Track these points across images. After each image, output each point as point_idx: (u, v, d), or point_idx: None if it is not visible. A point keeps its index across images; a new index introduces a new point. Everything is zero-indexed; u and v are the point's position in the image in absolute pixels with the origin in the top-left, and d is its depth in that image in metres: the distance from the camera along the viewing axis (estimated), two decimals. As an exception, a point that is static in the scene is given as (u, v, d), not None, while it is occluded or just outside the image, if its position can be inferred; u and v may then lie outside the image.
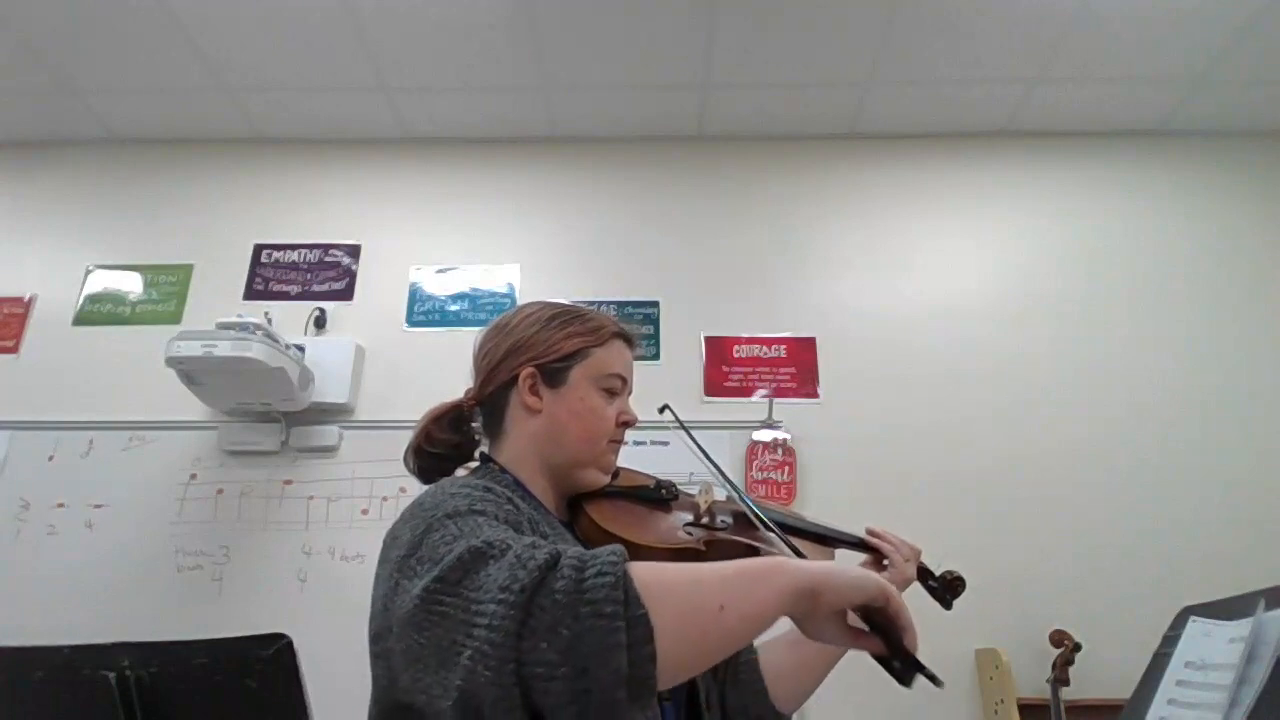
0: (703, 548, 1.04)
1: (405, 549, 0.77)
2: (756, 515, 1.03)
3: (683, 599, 0.66)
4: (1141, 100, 2.80)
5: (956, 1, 2.39)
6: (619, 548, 0.68)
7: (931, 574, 1.24)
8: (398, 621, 0.72)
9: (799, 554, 1.00)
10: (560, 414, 1.02)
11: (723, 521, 1.09)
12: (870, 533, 1.19)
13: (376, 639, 0.81)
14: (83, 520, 2.46)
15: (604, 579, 0.63)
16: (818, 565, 0.73)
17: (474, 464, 1.08)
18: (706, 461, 1.10)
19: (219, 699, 1.12)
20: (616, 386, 1.06)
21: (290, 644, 1.10)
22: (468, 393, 1.08)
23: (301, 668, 1.12)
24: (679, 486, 1.13)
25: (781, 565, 0.72)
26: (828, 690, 1.13)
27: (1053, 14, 2.42)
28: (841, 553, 1.19)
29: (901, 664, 0.73)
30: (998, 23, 2.46)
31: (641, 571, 0.65)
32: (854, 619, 0.75)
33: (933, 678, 0.70)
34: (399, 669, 0.75)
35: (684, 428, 1.10)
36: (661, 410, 1.17)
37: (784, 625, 0.85)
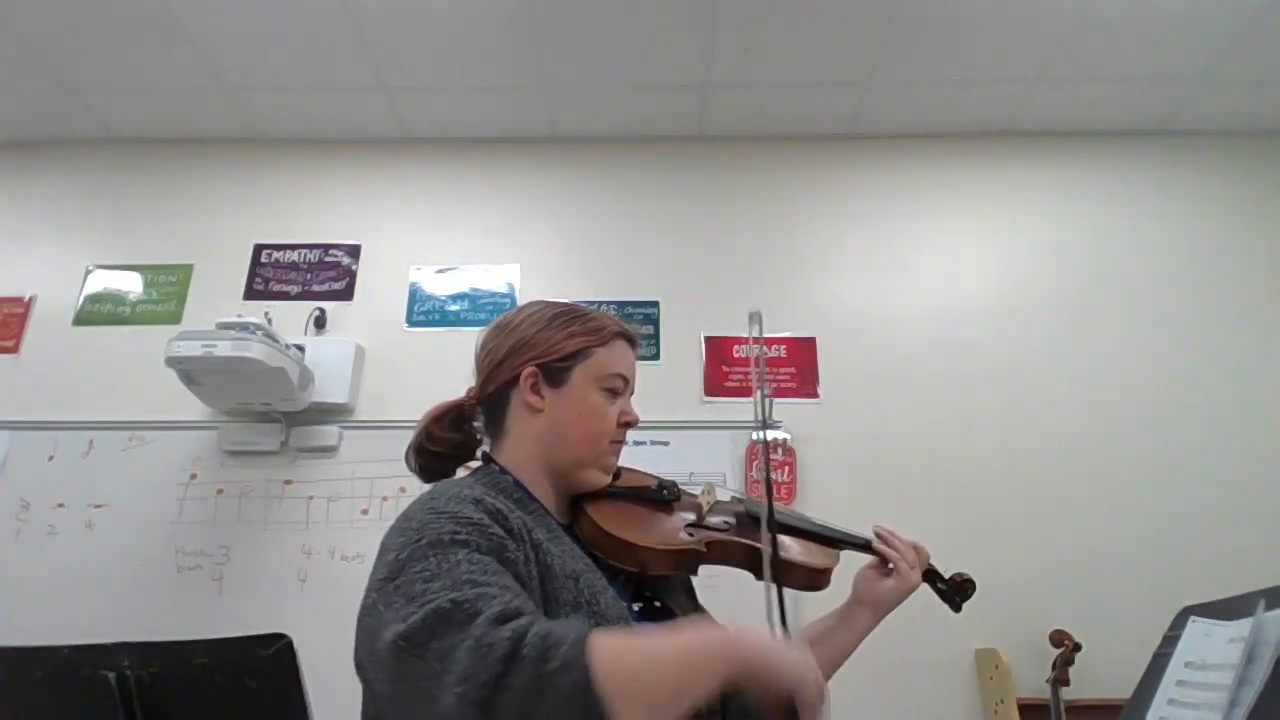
0: (704, 549, 1.03)
1: (386, 570, 0.78)
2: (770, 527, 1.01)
3: (644, 689, 0.67)
4: (1141, 100, 2.80)
5: (956, 1, 2.39)
6: (581, 629, 0.67)
7: (940, 576, 1.22)
8: (370, 652, 0.75)
9: (788, 561, 0.98)
10: (561, 414, 1.02)
11: (725, 522, 1.08)
12: (878, 534, 1.18)
13: (357, 648, 0.81)
14: (83, 520, 2.45)
15: (567, 678, 0.63)
16: (767, 645, 0.76)
17: (475, 463, 1.08)
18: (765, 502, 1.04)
19: (219, 699, 1.11)
20: (618, 386, 1.06)
21: (290, 644, 1.10)
22: (469, 392, 1.08)
23: (301, 668, 1.11)
24: (681, 486, 1.13)
25: (732, 646, 0.74)
26: (829, 691, 1.13)
27: (1053, 14, 2.42)
28: (847, 554, 1.18)
29: None
30: (998, 23, 2.46)
31: (604, 661, 0.65)
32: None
33: None
34: (376, 690, 0.80)
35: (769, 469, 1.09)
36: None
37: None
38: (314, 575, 2.39)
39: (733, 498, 1.18)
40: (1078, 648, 2.17)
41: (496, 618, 0.68)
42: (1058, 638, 2.19)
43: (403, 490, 2.40)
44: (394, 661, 0.70)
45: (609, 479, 1.06)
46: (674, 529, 1.05)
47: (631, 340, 1.10)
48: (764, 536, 0.94)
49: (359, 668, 0.83)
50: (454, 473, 1.07)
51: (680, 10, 2.43)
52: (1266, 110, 2.83)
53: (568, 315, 1.06)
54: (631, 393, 1.09)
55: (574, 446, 1.02)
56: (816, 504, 2.41)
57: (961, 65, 2.64)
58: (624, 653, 0.69)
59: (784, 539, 1.14)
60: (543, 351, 1.03)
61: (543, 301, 1.10)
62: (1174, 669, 0.92)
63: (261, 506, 2.48)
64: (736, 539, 1.06)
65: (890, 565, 1.16)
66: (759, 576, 1.07)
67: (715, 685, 0.72)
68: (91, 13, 2.44)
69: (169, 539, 2.43)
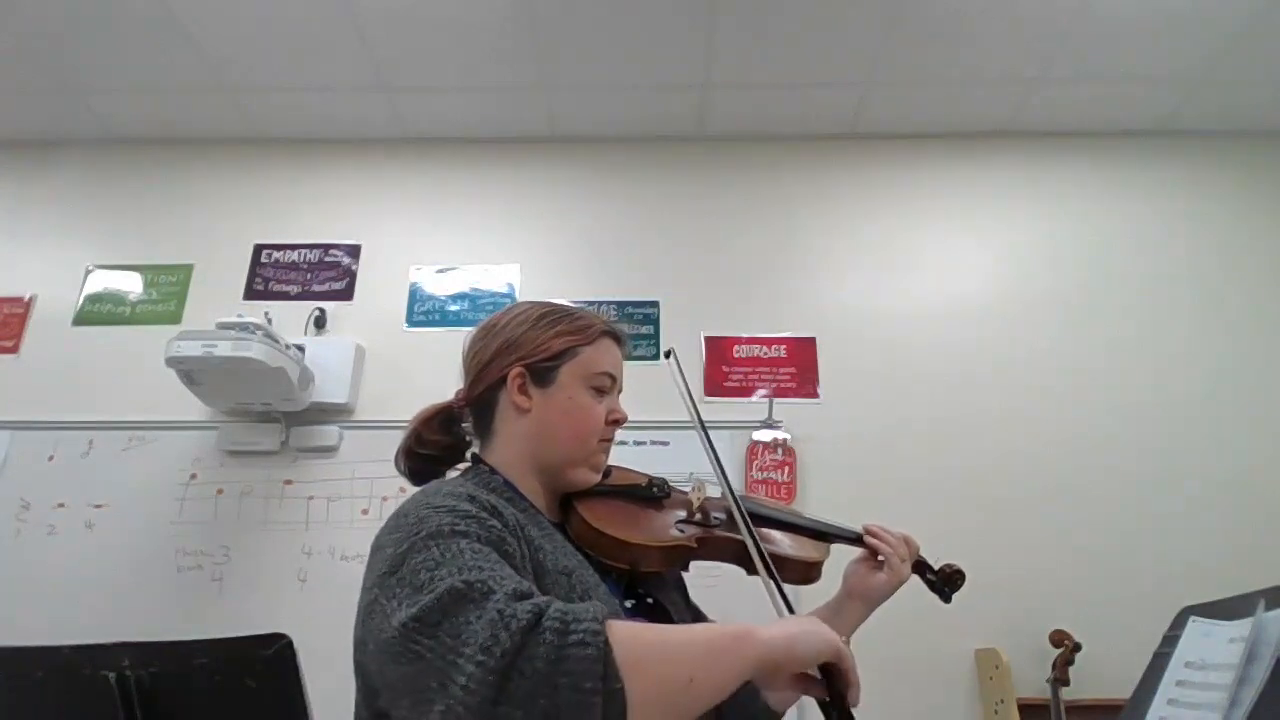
0: (694, 545, 1.03)
1: (386, 566, 0.77)
2: (743, 514, 1.01)
3: (657, 672, 0.67)
4: (1141, 100, 2.80)
5: (956, 1, 2.39)
6: (600, 609, 0.68)
7: (930, 567, 1.23)
8: (375, 644, 0.74)
9: (772, 557, 0.99)
10: (549, 413, 1.02)
11: (716, 518, 1.08)
12: (868, 530, 1.18)
13: (358, 648, 0.81)
14: (83, 520, 2.45)
15: (586, 650, 0.64)
16: (784, 633, 0.75)
17: (465, 465, 1.08)
18: (697, 420, 1.07)
19: (219, 699, 1.11)
20: (606, 385, 1.06)
21: (290, 644, 1.10)
22: (458, 394, 1.08)
23: (301, 668, 1.11)
24: (672, 484, 1.13)
25: (750, 636, 0.73)
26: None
27: (1053, 14, 2.42)
28: (837, 547, 1.18)
29: (839, 716, 0.77)
30: (998, 23, 2.46)
31: (620, 641, 0.66)
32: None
33: None
34: (376, 686, 0.78)
35: (685, 381, 1.08)
36: (668, 355, 1.14)
37: (777, 618, 0.84)
38: (314, 575, 2.39)
39: (722, 493, 1.18)
40: (1078, 648, 2.17)
41: (513, 594, 0.69)
42: (1058, 638, 2.19)
43: (402, 490, 2.34)
44: (403, 645, 0.69)
45: (599, 477, 1.06)
46: (665, 525, 1.05)
47: (619, 338, 1.10)
48: (742, 529, 0.94)
49: (357, 669, 0.82)
50: (444, 475, 1.07)
51: (680, 10, 2.43)
52: (1266, 110, 2.83)
53: (554, 315, 1.06)
54: (620, 391, 1.09)
55: (563, 445, 1.02)
56: (816, 504, 2.41)
57: (962, 65, 2.64)
58: (640, 633, 0.70)
59: (774, 533, 1.14)
60: (529, 352, 1.03)
61: (530, 301, 1.10)
62: (1174, 669, 0.92)
63: (261, 506, 2.48)
64: (728, 534, 1.05)
65: (881, 558, 1.16)
66: (751, 572, 1.07)
67: (735, 680, 0.71)
68: (91, 13, 2.45)
69: (169, 539, 2.43)
